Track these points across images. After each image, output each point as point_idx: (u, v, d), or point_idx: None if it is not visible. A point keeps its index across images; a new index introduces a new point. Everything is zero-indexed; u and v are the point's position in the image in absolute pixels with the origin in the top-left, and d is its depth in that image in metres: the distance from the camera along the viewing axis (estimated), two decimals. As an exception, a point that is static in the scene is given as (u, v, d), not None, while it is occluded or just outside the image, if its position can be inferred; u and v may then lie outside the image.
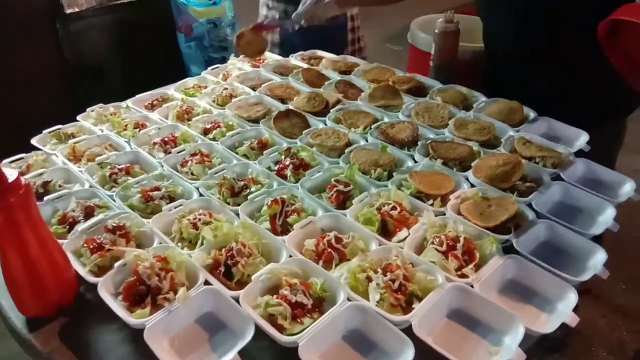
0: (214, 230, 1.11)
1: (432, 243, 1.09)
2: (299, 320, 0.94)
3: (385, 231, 1.17)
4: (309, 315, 0.95)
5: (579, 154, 1.43)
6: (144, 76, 3.23)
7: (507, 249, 1.11)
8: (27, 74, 2.97)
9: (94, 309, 1.02)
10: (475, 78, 1.98)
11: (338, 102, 1.70)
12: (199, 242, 1.12)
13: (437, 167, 1.35)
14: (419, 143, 1.46)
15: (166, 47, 3.51)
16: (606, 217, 1.21)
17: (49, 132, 1.61)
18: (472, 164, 1.35)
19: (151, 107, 1.77)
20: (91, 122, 1.67)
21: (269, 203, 1.21)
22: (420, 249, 1.12)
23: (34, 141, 1.56)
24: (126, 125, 1.61)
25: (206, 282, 1.02)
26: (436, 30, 1.80)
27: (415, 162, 1.41)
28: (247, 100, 1.74)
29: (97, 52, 3.28)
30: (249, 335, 0.90)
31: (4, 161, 1.46)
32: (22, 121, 2.30)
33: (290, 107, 1.68)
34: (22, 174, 1.37)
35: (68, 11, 3.08)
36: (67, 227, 1.19)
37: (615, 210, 1.22)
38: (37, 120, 1.91)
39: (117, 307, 0.96)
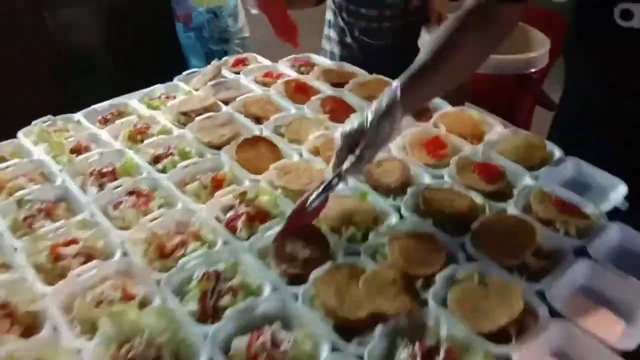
0: (116, 316, 0.85)
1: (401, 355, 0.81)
2: None
3: (347, 327, 0.89)
4: None
5: (613, 214, 1.12)
6: (141, 68, 3.00)
7: None
8: (13, 64, 2.76)
9: None
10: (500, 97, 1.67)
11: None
12: (99, 332, 0.86)
13: (426, 228, 1.06)
14: (409, 190, 1.16)
15: (164, 37, 3.25)
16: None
17: (-18, 152, 1.37)
18: (472, 227, 1.05)
19: (104, 122, 1.52)
20: (32, 139, 1.43)
21: (199, 277, 0.94)
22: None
23: (-43, 163, 1.33)
24: (72, 148, 1.37)
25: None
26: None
27: (402, 217, 1.11)
28: (215, 118, 1.47)
29: (89, 42, 3.05)
30: None
31: None
32: (7, 114, 2.11)
33: (265, 130, 1.41)
34: None
35: (56, -3, 2.85)
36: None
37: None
38: (25, 113, 1.71)
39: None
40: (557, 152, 1.29)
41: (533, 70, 1.82)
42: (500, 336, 0.85)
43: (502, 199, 1.15)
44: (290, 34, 1.72)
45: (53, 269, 1.00)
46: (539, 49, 1.84)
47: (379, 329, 0.85)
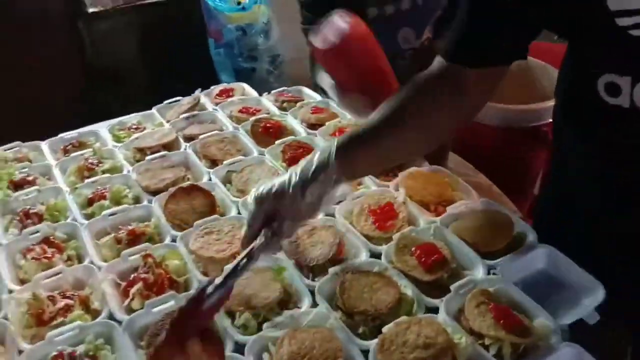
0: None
1: None
2: None
3: None
4: None
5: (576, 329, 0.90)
6: (172, 83, 3.03)
7: None
8: (46, 75, 2.87)
9: None
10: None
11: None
12: None
13: (329, 325, 0.90)
14: (330, 271, 1.01)
15: (196, 52, 3.26)
16: None
17: None
18: (383, 331, 0.88)
19: (65, 152, 1.49)
20: (-10, 167, 1.42)
21: (52, 357, 0.85)
22: None
23: None
24: (15, 181, 1.33)
25: None
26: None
27: (315, 304, 0.96)
28: (166, 159, 1.38)
29: (120, 54, 3.11)
30: None
31: None
32: (36, 119, 2.18)
33: (214, 176, 1.31)
34: None
35: (91, 10, 2.93)
36: None
37: None
38: (52, 120, 1.75)
39: None
40: (531, 237, 1.08)
41: (545, 122, 1.58)
42: None
43: (440, 292, 0.97)
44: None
45: None
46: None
47: None
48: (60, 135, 1.55)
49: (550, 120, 1.57)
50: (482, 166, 1.43)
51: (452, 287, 0.95)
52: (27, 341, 0.91)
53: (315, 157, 0.90)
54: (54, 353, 0.86)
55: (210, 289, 0.84)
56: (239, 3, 3.08)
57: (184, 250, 1.07)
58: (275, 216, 0.90)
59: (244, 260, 0.88)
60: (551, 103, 1.56)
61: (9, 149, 1.48)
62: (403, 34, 1.66)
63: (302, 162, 0.91)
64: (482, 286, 0.95)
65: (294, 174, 0.89)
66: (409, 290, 0.97)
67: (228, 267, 0.88)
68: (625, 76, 0.79)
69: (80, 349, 0.86)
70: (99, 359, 0.86)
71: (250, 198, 0.94)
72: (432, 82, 0.94)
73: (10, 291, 1.01)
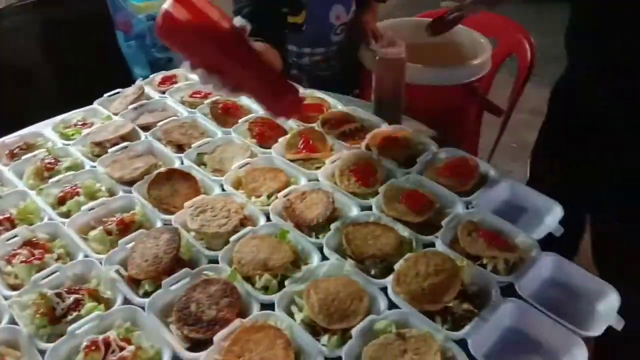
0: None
1: None
2: None
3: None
4: None
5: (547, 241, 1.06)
6: (84, 81, 2.84)
7: None
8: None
9: None
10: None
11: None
12: None
13: (345, 271, 0.98)
14: (332, 226, 1.08)
15: (106, 47, 3.09)
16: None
17: None
18: (395, 268, 0.97)
19: (12, 157, 1.39)
20: None
21: (86, 347, 0.84)
22: None
23: None
24: (-34, 189, 1.24)
25: None
26: (376, 57, 1.40)
27: (325, 257, 1.03)
28: (130, 149, 1.36)
29: (27, 56, 2.86)
30: None
31: None
32: None
33: (185, 160, 1.31)
34: None
35: (-16, 9, 2.66)
36: None
37: (585, 350, 0.85)
38: None
39: None
40: (492, 173, 1.23)
41: (476, 78, 1.76)
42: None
43: (431, 230, 1.08)
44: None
45: None
46: (482, 54, 1.78)
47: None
48: (4, 138, 1.45)
49: (480, 76, 1.77)
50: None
51: (442, 223, 1.07)
52: (44, 341, 0.88)
53: None
54: (85, 344, 0.84)
55: None
56: (148, -9, 2.97)
57: (183, 232, 1.08)
58: None
59: None
60: (481, 59, 1.75)
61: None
62: (335, 11, 1.75)
63: None
64: (467, 218, 1.08)
65: None
66: (405, 232, 1.07)
67: None
68: None
69: (112, 334, 0.85)
70: (132, 340, 0.86)
71: None
72: None
73: (6, 298, 0.96)
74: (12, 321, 0.92)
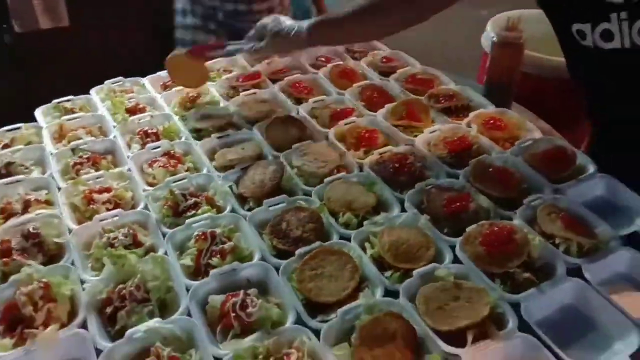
0: (118, 259, 0.98)
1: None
2: (146, 404, 0.78)
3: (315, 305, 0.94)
4: (161, 400, 0.79)
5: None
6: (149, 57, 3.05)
7: None
8: (115, 25, 2.95)
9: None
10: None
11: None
12: (104, 270, 1.00)
13: (420, 224, 1.08)
14: (417, 185, 1.18)
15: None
16: (627, 347, 0.86)
17: (57, 102, 1.58)
18: (467, 230, 1.05)
19: (164, 87, 1.67)
20: (101, 97, 1.61)
21: (197, 235, 1.04)
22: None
23: (37, 111, 1.54)
24: (128, 107, 1.53)
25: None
26: (493, 39, 1.44)
27: (404, 210, 1.14)
28: (258, 95, 1.56)
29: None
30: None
31: (1, 129, 1.46)
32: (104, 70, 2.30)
33: (301, 111, 1.47)
34: (6, 146, 1.38)
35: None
36: (4, 219, 1.14)
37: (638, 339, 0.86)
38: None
39: (-15, 331, 0.89)
40: (591, 167, 1.23)
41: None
42: (459, 338, 0.86)
43: (514, 208, 1.13)
44: None
45: (85, 211, 1.15)
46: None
47: (341, 310, 0.90)
48: (157, 73, 1.73)
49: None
50: (543, 115, 1.56)
51: (524, 201, 1.11)
52: (166, 226, 1.11)
53: (301, 24, 1.30)
54: (197, 233, 1.04)
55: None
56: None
57: (287, 167, 1.25)
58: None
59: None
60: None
61: (114, 83, 1.67)
62: None
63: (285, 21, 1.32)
64: (550, 201, 1.11)
65: (286, 21, 1.33)
66: (485, 203, 1.13)
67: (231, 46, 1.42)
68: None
69: (218, 230, 1.05)
70: (233, 239, 1.05)
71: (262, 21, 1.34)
72: None
73: (144, 190, 1.20)
74: (146, 208, 1.16)
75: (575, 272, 0.98)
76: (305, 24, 1.31)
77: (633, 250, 1.02)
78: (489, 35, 1.79)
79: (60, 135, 1.43)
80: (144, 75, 1.69)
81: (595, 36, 0.96)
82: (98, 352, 0.85)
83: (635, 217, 1.12)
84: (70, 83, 1.88)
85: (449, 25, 4.09)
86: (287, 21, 1.33)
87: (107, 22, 2.86)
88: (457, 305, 0.90)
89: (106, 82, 1.68)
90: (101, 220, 1.10)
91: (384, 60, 1.74)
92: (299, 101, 1.55)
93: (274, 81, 1.65)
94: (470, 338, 0.85)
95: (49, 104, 1.57)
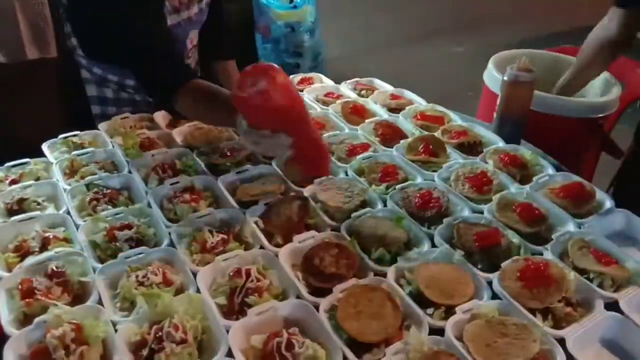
0: (152, 298, 0.94)
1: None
2: None
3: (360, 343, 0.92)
4: None
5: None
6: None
7: None
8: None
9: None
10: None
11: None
12: (135, 310, 0.95)
13: (455, 260, 1.07)
14: (445, 221, 1.18)
15: (243, 46, 3.43)
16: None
17: (64, 137, 1.54)
18: (502, 265, 1.05)
19: (172, 124, 1.65)
20: (109, 132, 1.58)
21: (231, 273, 1.01)
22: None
23: (44, 146, 1.50)
24: (140, 142, 1.50)
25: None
26: (504, 78, 1.49)
27: (434, 245, 1.13)
28: (271, 130, 1.55)
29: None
30: None
31: (7, 164, 1.41)
32: None
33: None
34: (13, 182, 1.33)
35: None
36: (20, 257, 1.08)
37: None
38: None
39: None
40: (608, 203, 1.26)
41: (600, 115, 1.77)
42: (511, 377, 0.85)
43: (540, 242, 1.14)
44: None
45: (107, 249, 1.11)
46: (610, 93, 1.79)
47: (389, 350, 0.87)
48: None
49: (602, 115, 1.77)
50: (547, 152, 1.61)
51: (553, 236, 1.13)
52: (195, 264, 1.07)
53: None
54: (231, 271, 1.01)
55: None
56: (291, 1, 3.28)
57: (311, 202, 1.24)
58: None
59: None
60: (609, 97, 1.77)
61: (122, 118, 1.64)
62: (192, 35, 1.70)
63: None
64: (578, 236, 1.12)
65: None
66: (515, 238, 1.14)
67: None
68: None
69: (253, 268, 1.02)
70: (267, 276, 1.02)
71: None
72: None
73: (166, 226, 1.17)
74: (171, 244, 1.12)
75: (611, 306, 0.99)
76: None
77: (664, 283, 1.04)
78: (493, 74, 1.85)
79: (71, 171, 1.38)
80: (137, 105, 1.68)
81: None
82: (137, 399, 0.81)
83: (657, 252, 1.15)
84: (61, 118, 1.86)
85: (426, 62, 4.28)
86: None
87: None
88: (505, 342, 0.89)
89: (113, 117, 1.65)
90: (126, 258, 1.06)
91: (391, 97, 1.78)
92: (312, 137, 1.56)
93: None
94: (523, 376, 0.84)
95: (55, 138, 1.53)
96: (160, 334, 0.88)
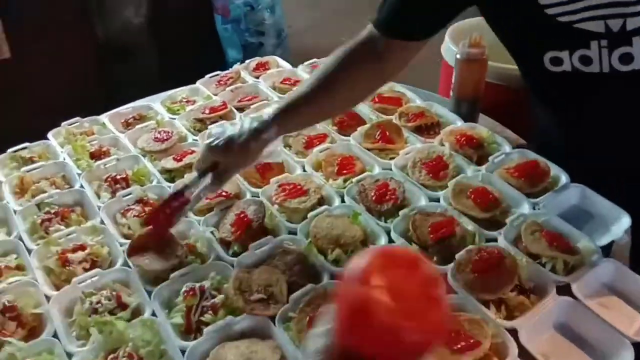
0: (105, 326, 0.93)
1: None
2: None
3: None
4: None
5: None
6: (181, 59, 3.10)
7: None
8: (57, 55, 2.90)
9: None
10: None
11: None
12: (91, 339, 0.94)
13: (411, 255, 1.07)
14: (401, 213, 1.18)
15: (203, 28, 3.33)
16: (621, 361, 0.90)
17: (13, 152, 1.49)
18: (456, 257, 1.06)
19: (127, 125, 1.61)
20: (59, 141, 1.53)
21: (184, 293, 1.00)
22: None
23: (-8, 163, 1.45)
24: (90, 152, 1.46)
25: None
26: (457, 56, 1.46)
27: (392, 241, 1.13)
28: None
29: (130, 31, 3.17)
30: None
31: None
32: (50, 105, 2.26)
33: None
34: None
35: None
36: (-29, 293, 1.06)
37: (632, 354, 0.90)
38: (67, 104, 1.84)
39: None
40: (564, 178, 1.27)
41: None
42: (463, 373, 0.87)
43: (495, 227, 1.15)
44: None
45: (60, 274, 1.09)
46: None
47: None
48: (116, 110, 1.67)
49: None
50: (506, 124, 1.60)
51: (507, 221, 1.13)
52: (151, 284, 1.06)
53: (256, 120, 1.05)
54: (184, 289, 1.01)
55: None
56: (245, -21, 3.16)
57: (268, 204, 1.22)
58: (218, 164, 1.07)
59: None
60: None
61: (71, 124, 1.59)
62: None
63: (246, 121, 1.05)
64: (531, 218, 1.13)
65: (240, 129, 1.04)
66: (469, 225, 1.14)
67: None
68: (564, 50, 0.98)
69: (207, 284, 1.01)
70: (223, 290, 1.02)
71: (201, 143, 1.07)
72: (357, 54, 1.08)
73: (120, 244, 1.15)
74: (125, 264, 1.11)
75: (564, 289, 1.01)
76: (266, 118, 1.06)
77: (615, 261, 1.06)
78: (450, 47, 1.81)
79: (21, 190, 1.34)
80: (95, 108, 1.63)
81: (574, 60, 0.98)
82: None
83: (610, 225, 1.16)
84: (16, 122, 1.80)
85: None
86: (230, 127, 1.07)
87: (51, 53, 2.78)
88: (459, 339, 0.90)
89: (63, 124, 1.60)
90: (80, 283, 1.05)
91: (349, 79, 1.74)
92: (268, 130, 1.53)
93: (240, 110, 1.62)
94: (475, 373, 0.86)
95: (3, 154, 1.48)
96: (115, 364, 0.88)
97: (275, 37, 3.38)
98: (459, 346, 0.88)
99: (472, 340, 0.89)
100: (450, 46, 1.81)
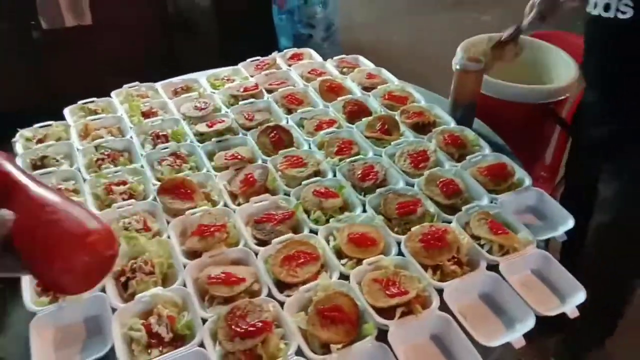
0: (131, 240, 1.24)
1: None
2: (148, 351, 1.04)
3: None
4: (160, 349, 1.05)
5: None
6: (239, 41, 3.42)
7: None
8: (131, 25, 3.28)
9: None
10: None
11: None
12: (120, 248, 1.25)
13: (375, 223, 1.32)
14: (377, 191, 1.42)
15: (261, 16, 3.64)
16: (524, 328, 1.11)
17: (82, 104, 1.84)
18: (412, 230, 1.29)
19: (175, 93, 1.92)
20: (120, 100, 1.87)
21: (195, 227, 1.30)
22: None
23: (65, 111, 1.81)
24: (142, 112, 1.78)
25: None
26: (456, 67, 1.67)
27: (365, 211, 1.38)
28: (254, 104, 1.81)
29: (197, 11, 3.52)
30: (104, 350, 1.04)
31: (35, 125, 1.72)
32: (118, 68, 2.63)
33: (291, 120, 1.72)
34: (40, 141, 1.65)
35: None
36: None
37: (533, 323, 1.11)
38: (132, 68, 2.19)
39: (28, 289, 1.15)
40: (527, 181, 1.47)
41: (551, 100, 1.93)
42: (391, 313, 1.11)
43: (454, 212, 1.37)
44: None
45: (105, 199, 1.42)
46: (566, 77, 1.94)
47: (303, 288, 1.15)
48: (169, 80, 1.99)
49: (558, 98, 1.93)
50: (501, 134, 1.79)
51: (463, 208, 1.36)
52: (170, 215, 1.36)
53: None
54: (197, 224, 1.30)
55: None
56: (304, -27, 3.42)
57: (272, 169, 1.50)
58: None
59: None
60: (565, 83, 1.92)
61: (131, 87, 1.92)
62: None
63: None
64: (485, 209, 1.35)
65: None
66: (431, 208, 1.37)
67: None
68: None
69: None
70: (226, 227, 1.30)
71: None
72: None
73: (154, 184, 1.46)
74: (154, 199, 1.42)
75: (495, 268, 1.23)
76: None
77: (547, 253, 1.26)
78: (459, 54, 2.01)
79: (85, 134, 1.69)
80: (154, 76, 1.95)
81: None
82: (113, 310, 1.12)
83: (559, 226, 1.36)
84: (90, 79, 2.15)
85: (450, 31, 4.34)
86: None
87: (126, 23, 3.16)
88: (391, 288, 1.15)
89: (124, 86, 1.94)
90: (118, 208, 1.37)
91: (368, 76, 1.98)
92: (289, 111, 1.80)
93: (269, 92, 1.90)
94: (398, 314, 1.10)
95: (75, 105, 1.83)
96: (134, 266, 1.19)
97: (324, 30, 3.63)
98: (390, 292, 1.13)
99: (402, 289, 1.13)
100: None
